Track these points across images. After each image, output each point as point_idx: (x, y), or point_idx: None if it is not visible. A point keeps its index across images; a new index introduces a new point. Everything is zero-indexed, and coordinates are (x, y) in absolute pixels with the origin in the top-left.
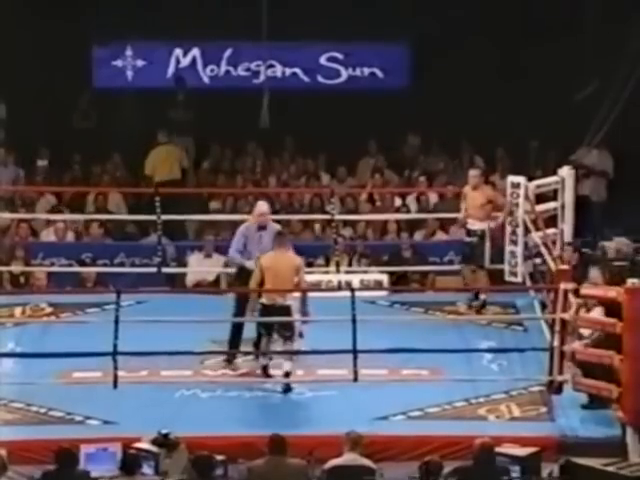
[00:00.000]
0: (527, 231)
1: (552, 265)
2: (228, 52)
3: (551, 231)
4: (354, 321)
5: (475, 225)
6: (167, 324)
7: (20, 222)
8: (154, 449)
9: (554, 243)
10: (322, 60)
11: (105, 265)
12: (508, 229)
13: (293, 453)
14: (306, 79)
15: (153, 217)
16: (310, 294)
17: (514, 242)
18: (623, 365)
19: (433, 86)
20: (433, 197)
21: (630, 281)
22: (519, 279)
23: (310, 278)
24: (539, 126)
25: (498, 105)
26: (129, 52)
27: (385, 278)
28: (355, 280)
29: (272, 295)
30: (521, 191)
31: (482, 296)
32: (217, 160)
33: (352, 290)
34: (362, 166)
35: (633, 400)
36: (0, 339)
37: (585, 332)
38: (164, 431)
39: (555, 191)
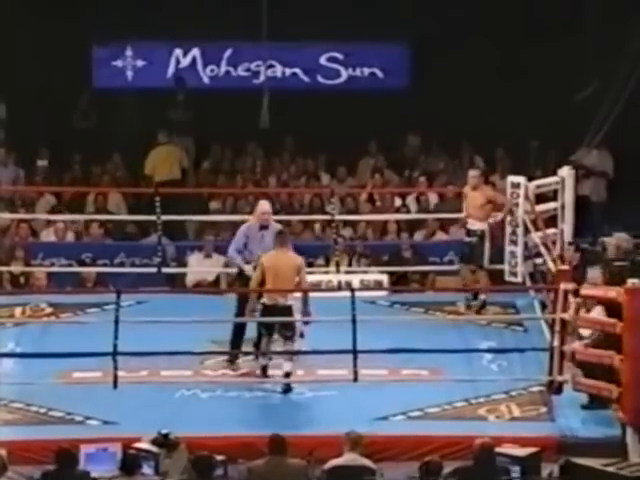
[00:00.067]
0: (527, 231)
1: (552, 265)
2: (228, 52)
3: (551, 231)
4: (354, 321)
5: (475, 225)
6: (167, 324)
7: (20, 222)
8: (154, 449)
9: (554, 243)
10: (322, 60)
11: (105, 265)
12: (508, 229)
13: (293, 453)
14: (306, 79)
15: (153, 217)
16: (310, 294)
17: (514, 242)
18: (623, 365)
19: (433, 86)
20: (433, 197)
21: (630, 281)
22: (519, 279)
23: (310, 278)
24: (539, 126)
25: (498, 105)
26: (129, 52)
27: (385, 278)
28: (355, 280)
29: (273, 295)
30: (521, 191)
31: (482, 296)
32: (217, 160)
33: (352, 290)
34: (362, 166)
35: (633, 400)
36: (0, 339)
37: (585, 332)
38: (164, 431)
39: (555, 191)
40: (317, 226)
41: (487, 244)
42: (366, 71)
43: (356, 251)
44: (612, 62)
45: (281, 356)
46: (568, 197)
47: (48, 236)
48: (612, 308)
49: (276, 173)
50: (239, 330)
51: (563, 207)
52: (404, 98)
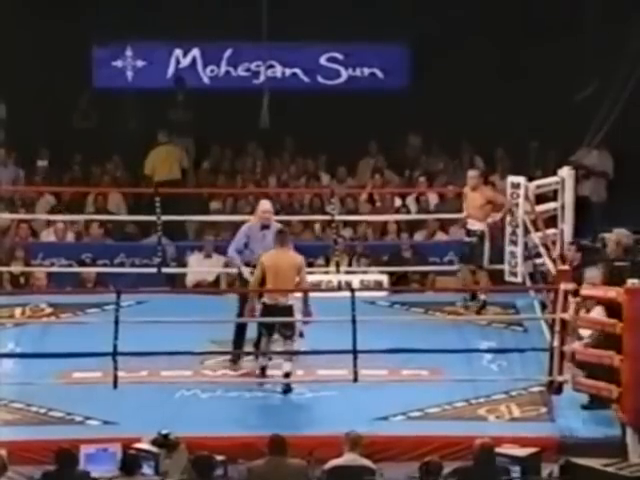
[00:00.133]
0: (527, 231)
1: (552, 265)
2: (228, 52)
3: (551, 231)
4: (354, 321)
5: (475, 225)
6: (167, 324)
7: (20, 222)
8: (154, 449)
9: (554, 243)
10: (322, 60)
11: (105, 265)
12: (508, 229)
13: (293, 453)
14: (306, 79)
15: (153, 217)
16: (310, 294)
17: (514, 242)
18: (623, 365)
19: (433, 86)
20: (433, 197)
21: (630, 281)
22: (519, 279)
23: (310, 278)
24: (539, 126)
25: (498, 105)
26: (129, 52)
27: (385, 278)
28: (355, 280)
29: (274, 294)
30: (521, 191)
31: (482, 296)
32: (217, 160)
33: (352, 290)
34: (362, 166)
35: (633, 400)
36: (0, 339)
37: (585, 332)
38: (164, 431)
39: (555, 191)
40: (317, 226)
41: (487, 244)
42: (366, 71)
43: (356, 251)
44: (612, 62)
45: (281, 356)
46: (568, 197)
47: (48, 236)
48: (612, 308)
49: (276, 173)
50: (241, 330)
51: (563, 207)
52: (404, 98)
